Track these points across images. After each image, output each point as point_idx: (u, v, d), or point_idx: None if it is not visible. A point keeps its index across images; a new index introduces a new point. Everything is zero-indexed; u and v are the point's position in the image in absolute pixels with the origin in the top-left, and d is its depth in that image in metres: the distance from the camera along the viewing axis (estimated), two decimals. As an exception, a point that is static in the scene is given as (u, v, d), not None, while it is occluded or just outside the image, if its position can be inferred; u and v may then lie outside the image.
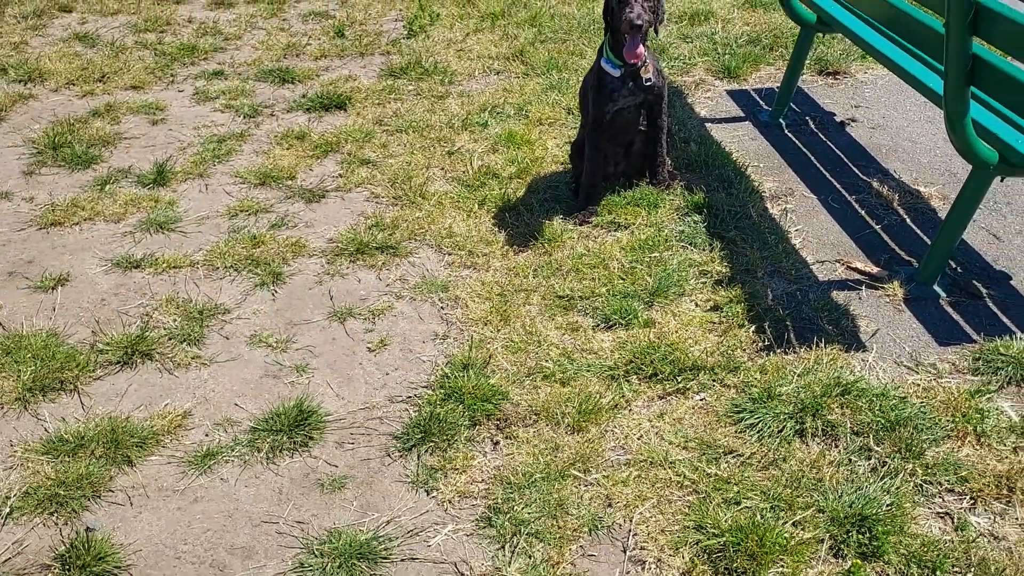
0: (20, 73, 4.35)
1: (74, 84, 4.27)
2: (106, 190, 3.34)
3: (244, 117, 3.92)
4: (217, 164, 3.53)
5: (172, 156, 3.57)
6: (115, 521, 1.99)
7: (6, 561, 1.89)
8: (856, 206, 3.12)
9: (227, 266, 2.88)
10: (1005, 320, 2.54)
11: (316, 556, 1.88)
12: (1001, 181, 2.84)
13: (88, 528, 1.95)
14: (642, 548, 1.89)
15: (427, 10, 5.00)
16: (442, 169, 3.42)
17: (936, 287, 2.66)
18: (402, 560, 1.89)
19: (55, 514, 2.00)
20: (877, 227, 3.00)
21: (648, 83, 2.88)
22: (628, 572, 1.84)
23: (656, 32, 2.95)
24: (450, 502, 2.02)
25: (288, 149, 3.61)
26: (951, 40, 2.28)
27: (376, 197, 3.26)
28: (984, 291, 2.66)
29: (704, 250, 2.84)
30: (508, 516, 1.95)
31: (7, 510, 2.00)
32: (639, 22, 2.71)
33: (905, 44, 2.89)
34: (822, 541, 1.86)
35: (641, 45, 2.77)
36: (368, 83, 4.21)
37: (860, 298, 2.64)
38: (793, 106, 3.84)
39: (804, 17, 3.54)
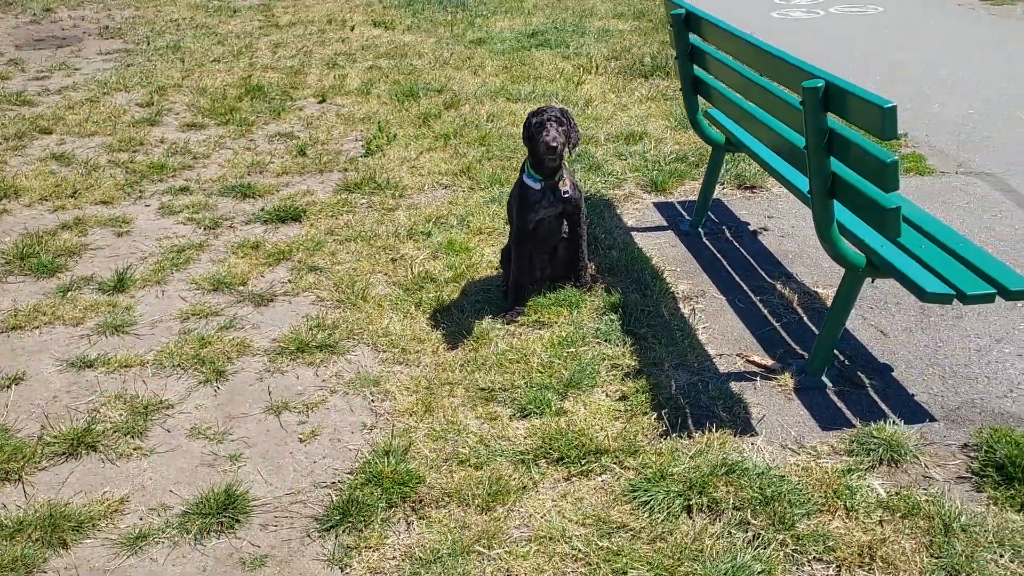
0: (-3, 189, 4.65)
1: (47, 200, 4.57)
2: (67, 296, 3.58)
3: (204, 229, 4.21)
4: (175, 272, 3.78)
5: (133, 265, 3.83)
6: (47, 599, 2.13)
7: (-60, 637, 2.02)
8: (760, 306, 3.41)
9: (175, 365, 3.10)
10: (884, 407, 2.78)
11: (232, 628, 2.03)
12: (872, 283, 3.14)
13: (20, 605, 2.08)
14: (534, 616, 2.05)
15: (385, 131, 5.41)
16: (385, 274, 3.69)
17: (824, 378, 2.92)
18: (312, 631, 2.04)
19: (-10, 593, 2.14)
20: (777, 324, 3.28)
21: (566, 195, 3.21)
22: (520, 638, 2.00)
23: (570, 153, 3.30)
24: (362, 577, 2.18)
25: (243, 258, 3.89)
26: (812, 159, 2.62)
27: (321, 300, 3.52)
28: (867, 381, 2.92)
29: (617, 345, 3.10)
30: (413, 589, 2.12)
31: (-55, 590, 2.14)
32: (554, 144, 3.06)
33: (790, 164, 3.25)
34: (697, 606, 2.04)
35: (558, 163, 3.10)
36: (324, 197, 4.54)
37: (755, 388, 2.89)
38: (712, 216, 4.19)
39: (714, 138, 3.93)
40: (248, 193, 4.60)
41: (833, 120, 2.56)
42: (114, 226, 4.24)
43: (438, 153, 5.11)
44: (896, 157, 2.31)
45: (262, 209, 4.39)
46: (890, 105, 2.27)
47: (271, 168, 4.98)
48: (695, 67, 3.75)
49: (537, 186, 3.17)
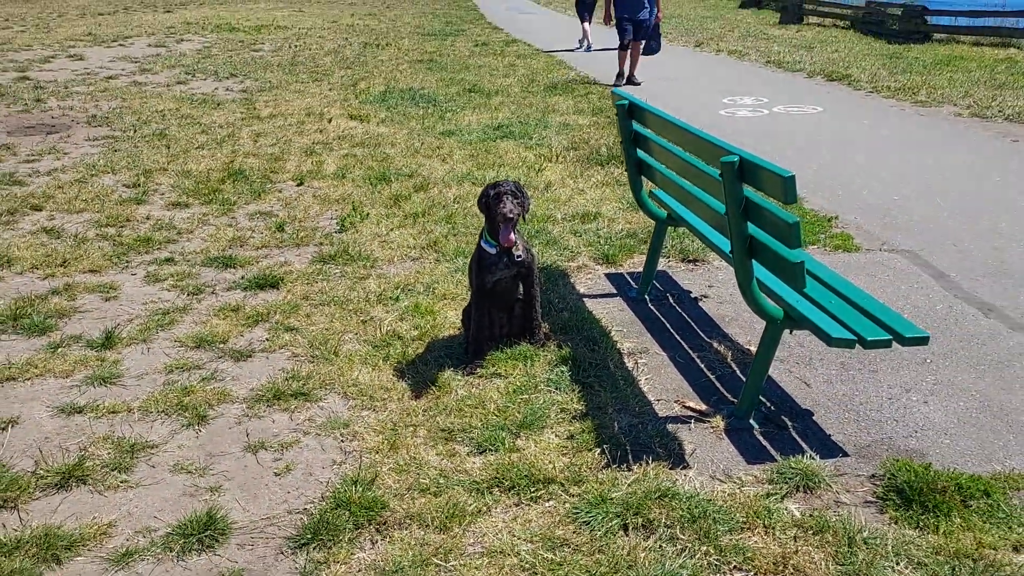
0: (-10, 259, 4.93)
1: (38, 268, 4.85)
2: (57, 352, 3.83)
3: (188, 295, 4.51)
4: (160, 332, 4.06)
5: (120, 325, 4.10)
6: (40, 607, 2.34)
7: (-59, 638, 2.22)
8: (697, 361, 3.76)
9: (159, 411, 3.35)
10: (803, 444, 3.11)
11: (211, 629, 2.25)
12: (791, 334, 3.52)
13: (16, 611, 2.29)
14: (485, 616, 2.30)
15: (359, 210, 5.81)
16: (355, 334, 4.00)
17: (751, 421, 3.25)
18: (284, 630, 2.26)
19: (-12, 601, 2.34)
20: (712, 376, 3.62)
21: (519, 259, 3.58)
22: (471, 634, 2.24)
23: (524, 219, 3.69)
24: (330, 586, 2.42)
25: (224, 319, 4.18)
26: (732, 223, 3.02)
27: (296, 356, 3.81)
28: (790, 424, 3.26)
29: (566, 393, 3.41)
30: (377, 594, 2.36)
31: (-54, 598, 2.34)
32: (511, 215, 3.45)
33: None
34: (629, 604, 2.30)
35: (512, 232, 3.49)
36: (300, 267, 4.87)
37: (689, 429, 3.21)
38: (657, 285, 4.58)
39: (657, 214, 4.36)
40: (229, 264, 4.93)
41: (748, 190, 2.98)
42: (102, 292, 4.52)
43: (407, 230, 5.49)
44: (798, 219, 2.70)
45: (242, 277, 4.71)
46: (790, 175, 2.68)
47: (251, 242, 5.32)
48: (638, 150, 4.21)
49: (493, 251, 3.54)
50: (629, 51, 11.36)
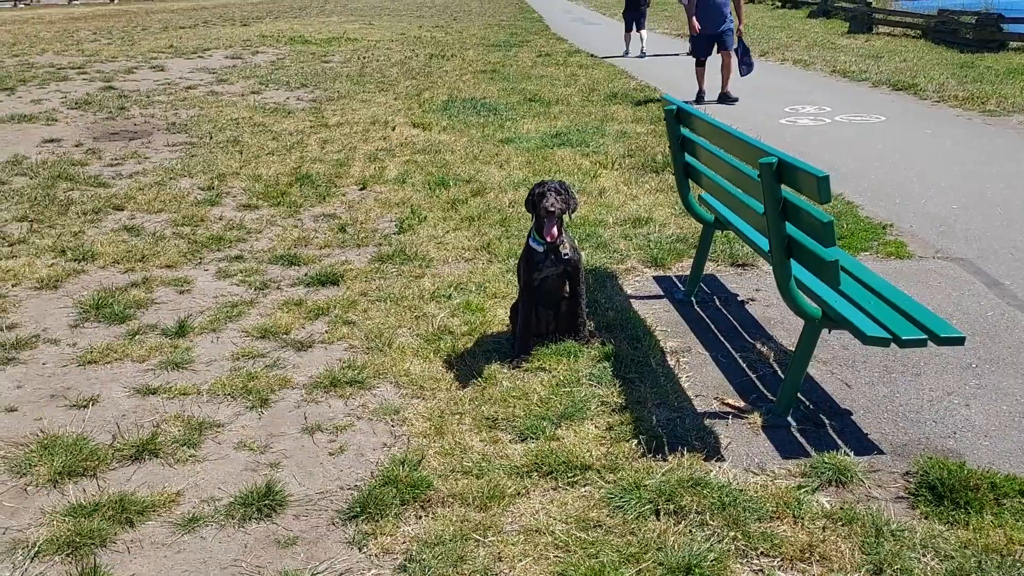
0: (75, 254, 5.30)
1: (119, 263, 5.19)
2: (135, 339, 4.12)
3: (255, 289, 4.77)
4: (228, 323, 4.32)
5: (192, 316, 4.38)
6: (115, 563, 2.57)
7: (29, 585, 2.46)
8: (739, 360, 3.84)
9: (226, 394, 3.59)
10: (839, 442, 3.16)
11: (267, 588, 2.44)
12: (828, 333, 3.56)
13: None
14: (518, 587, 2.44)
15: (417, 213, 6.03)
16: (409, 328, 4.19)
17: (789, 418, 3.32)
18: (332, 592, 2.44)
19: (70, 555, 2.58)
20: (753, 376, 3.69)
21: (565, 256, 3.72)
22: (505, 603, 2.38)
23: (570, 217, 3.83)
24: (376, 555, 2.59)
25: (287, 313, 4.42)
26: (770, 223, 3.11)
27: (352, 347, 4.02)
28: (827, 422, 3.31)
29: (607, 387, 3.53)
30: (418, 564, 2.52)
31: (35, 551, 2.59)
32: (552, 209, 3.60)
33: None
34: (656, 582, 2.42)
35: (556, 227, 3.63)
36: (360, 266, 5.10)
37: (727, 424, 3.29)
38: (704, 287, 4.66)
39: (704, 217, 4.45)
40: (294, 262, 5.19)
41: (787, 191, 3.06)
42: (176, 285, 4.82)
43: (463, 232, 5.68)
44: (831, 218, 2.78)
45: (305, 274, 4.96)
46: (824, 174, 2.76)
47: (315, 242, 5.59)
48: (686, 155, 4.31)
49: (540, 248, 3.69)
50: (721, 65, 10.52)
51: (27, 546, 2.62)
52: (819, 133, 8.83)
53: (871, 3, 21.56)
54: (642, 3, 16.33)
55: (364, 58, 16.50)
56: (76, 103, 11.17)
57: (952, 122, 9.16)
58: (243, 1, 52.63)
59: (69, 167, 7.58)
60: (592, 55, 16.55)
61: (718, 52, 10.59)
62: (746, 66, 10.49)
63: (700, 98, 10.78)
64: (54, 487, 2.94)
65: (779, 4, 29.79)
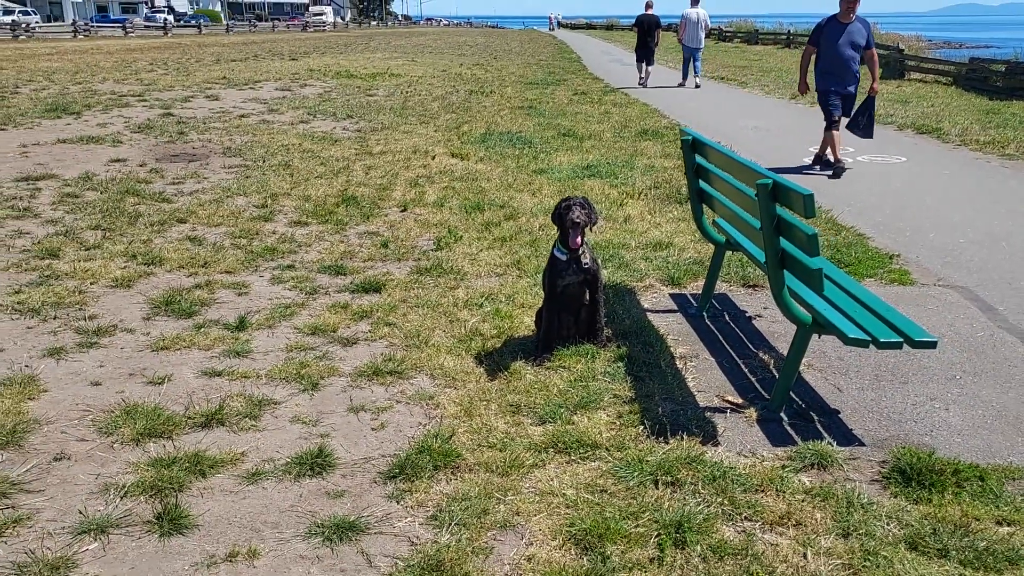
0: (145, 259, 5.85)
1: (183, 268, 5.73)
2: (200, 331, 4.62)
3: (305, 294, 5.27)
4: (282, 321, 4.81)
5: (250, 314, 4.88)
6: (192, 504, 3.02)
7: (122, 518, 2.92)
8: (742, 366, 4.22)
9: (281, 378, 4.06)
10: (825, 434, 3.54)
11: (320, 527, 2.88)
12: (819, 338, 3.94)
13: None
14: (532, 536, 2.85)
15: (453, 233, 6.52)
16: (443, 331, 4.65)
17: (782, 414, 3.70)
18: (376, 533, 2.87)
19: (154, 496, 3.05)
20: (753, 379, 4.08)
21: (585, 266, 4.16)
22: (521, 547, 2.79)
23: (591, 230, 4.27)
24: (411, 507, 3.02)
25: (334, 314, 4.90)
26: (766, 237, 3.53)
27: (392, 345, 4.47)
28: (817, 419, 3.68)
29: (620, 383, 3.94)
30: (447, 514, 2.94)
31: (124, 491, 3.06)
32: (578, 220, 4.05)
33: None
34: (650, 535, 2.81)
35: (580, 237, 4.08)
36: (400, 277, 5.58)
37: (725, 417, 3.68)
38: (716, 304, 5.06)
39: (716, 239, 4.86)
40: (340, 271, 5.69)
41: (781, 209, 3.48)
42: (235, 288, 5.34)
43: (495, 251, 6.15)
44: (816, 231, 3.19)
45: (351, 282, 5.45)
46: (809, 193, 3.18)
47: (359, 255, 6.09)
48: (700, 181, 4.74)
49: (564, 257, 4.14)
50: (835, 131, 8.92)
51: (117, 488, 3.09)
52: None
53: (903, 50, 21.91)
54: (651, 43, 19.63)
55: (407, 92, 17.23)
56: (139, 127, 11.93)
57: (970, 164, 9.49)
58: (291, 37, 54.36)
59: (135, 184, 8.21)
60: (626, 93, 17.12)
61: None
62: (863, 131, 9.06)
63: (838, 171, 8.88)
64: (136, 445, 3.42)
65: (814, 49, 30.22)
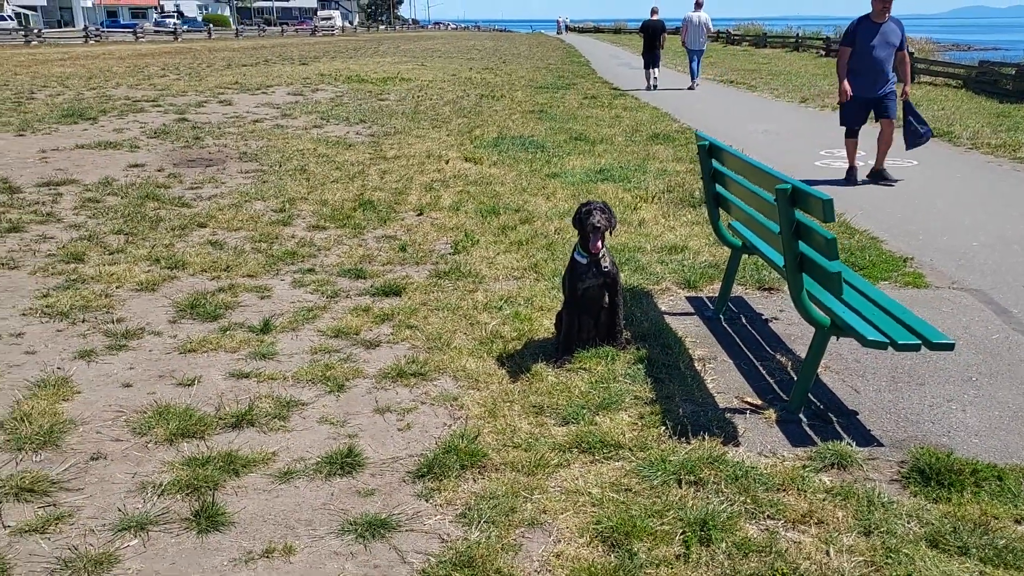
0: (168, 263, 5.95)
1: (206, 271, 5.82)
2: (226, 334, 4.71)
3: (327, 297, 5.35)
4: (305, 324, 4.90)
5: (274, 316, 4.97)
6: (227, 502, 3.10)
7: (160, 515, 3.01)
8: (760, 368, 4.29)
9: (307, 380, 4.14)
10: (844, 435, 3.60)
11: (352, 525, 2.96)
12: (837, 340, 4.00)
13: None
14: (560, 533, 2.92)
15: (470, 237, 6.60)
16: (465, 333, 4.72)
17: (801, 415, 3.76)
18: (407, 530, 2.94)
19: (190, 494, 3.13)
20: (771, 381, 4.14)
21: (605, 269, 4.23)
22: (549, 544, 2.86)
23: (611, 234, 4.34)
24: (440, 505, 3.09)
25: (356, 317, 4.98)
26: (785, 242, 3.59)
27: (415, 347, 4.55)
28: (835, 419, 3.74)
29: (640, 385, 4.01)
30: (475, 512, 3.01)
31: (161, 490, 3.14)
32: (599, 225, 4.12)
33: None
34: (676, 532, 2.88)
35: (600, 242, 4.15)
36: (419, 280, 5.66)
37: (744, 418, 3.74)
38: (732, 307, 5.13)
39: (732, 242, 4.93)
40: (360, 275, 5.77)
41: (799, 213, 3.54)
42: (258, 291, 5.43)
43: (512, 254, 6.23)
44: (835, 236, 3.26)
45: (371, 286, 5.53)
46: (828, 198, 3.24)
47: (378, 259, 6.17)
48: (717, 186, 4.81)
49: (584, 261, 4.21)
50: (878, 136, 8.68)
51: (154, 486, 3.18)
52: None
53: (913, 53, 21.92)
54: (657, 47, 20.41)
55: (418, 97, 17.34)
56: (155, 132, 12.06)
57: (982, 168, 9.52)
58: (299, 41, 54.61)
59: (154, 189, 8.32)
60: (635, 97, 17.19)
61: (876, 120, 8.74)
62: (915, 136, 8.67)
63: (852, 177, 8.84)
64: (170, 445, 3.50)
65: (823, 53, 30.28)
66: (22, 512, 3.03)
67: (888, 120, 8.58)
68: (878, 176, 8.81)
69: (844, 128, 8.84)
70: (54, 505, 3.08)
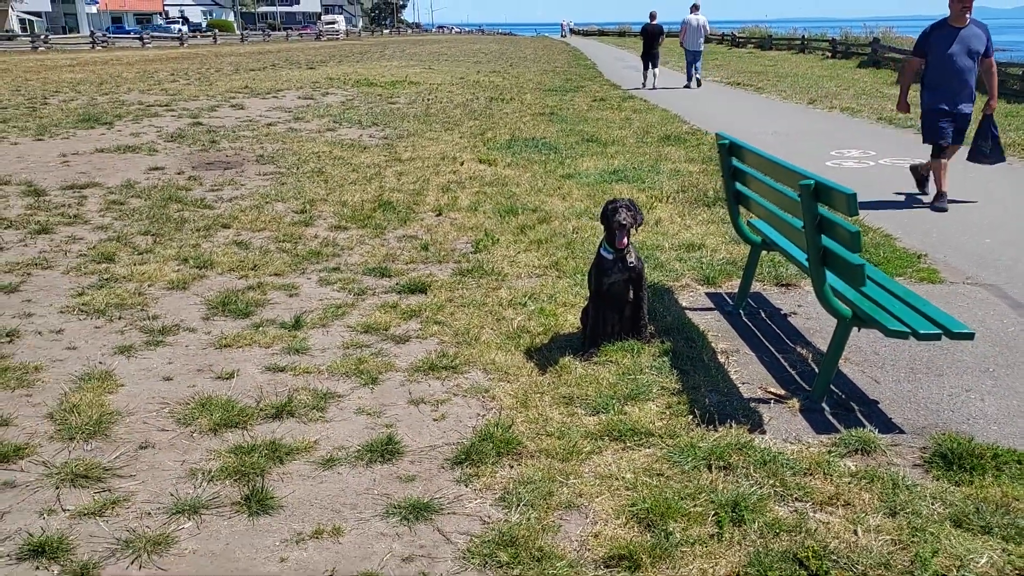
0: (196, 262, 6.08)
1: (234, 271, 5.95)
2: (259, 330, 4.84)
3: (354, 295, 5.48)
4: (335, 320, 5.02)
5: (304, 313, 5.09)
6: (275, 488, 3.22)
7: (212, 499, 3.13)
8: (781, 360, 4.40)
9: (341, 373, 4.26)
10: (866, 423, 3.70)
11: (396, 508, 3.07)
12: (858, 331, 4.10)
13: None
14: (596, 515, 3.03)
15: (490, 236, 6.72)
16: (492, 328, 4.84)
17: (823, 404, 3.87)
18: (449, 513, 3.06)
19: (239, 480, 3.25)
20: (793, 372, 4.25)
21: (631, 264, 4.35)
22: (587, 525, 2.98)
23: (636, 231, 4.46)
24: (479, 489, 3.21)
25: (384, 314, 5.10)
26: (808, 236, 3.70)
27: (443, 342, 4.67)
28: (857, 408, 3.85)
29: (666, 376, 4.12)
30: (514, 496, 3.13)
31: (210, 476, 3.27)
32: (624, 222, 4.24)
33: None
34: (708, 513, 2.99)
35: (626, 238, 4.27)
36: (443, 278, 5.78)
37: (769, 407, 3.85)
38: (751, 302, 5.24)
39: (752, 239, 5.04)
40: (385, 273, 5.89)
41: (822, 208, 3.65)
42: (286, 290, 5.55)
43: (533, 253, 6.34)
44: (858, 229, 3.37)
45: (396, 284, 5.66)
46: (852, 192, 3.36)
47: (401, 258, 6.29)
48: (736, 183, 4.92)
49: (610, 256, 4.33)
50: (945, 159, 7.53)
51: (204, 473, 3.30)
52: (862, 173, 9.36)
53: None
54: (655, 47, 21.77)
55: (428, 100, 17.48)
56: (171, 136, 12.22)
57: (992, 166, 9.60)
58: (304, 45, 54.79)
59: (176, 191, 8.46)
60: (644, 99, 17.31)
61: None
62: (982, 155, 7.84)
63: (941, 203, 7.55)
64: (215, 434, 3.62)
65: (829, 55, 30.38)
66: (79, 497, 3.16)
67: (954, 145, 7.51)
68: (922, 184, 8.19)
69: (930, 147, 7.62)
70: (108, 491, 3.20)
